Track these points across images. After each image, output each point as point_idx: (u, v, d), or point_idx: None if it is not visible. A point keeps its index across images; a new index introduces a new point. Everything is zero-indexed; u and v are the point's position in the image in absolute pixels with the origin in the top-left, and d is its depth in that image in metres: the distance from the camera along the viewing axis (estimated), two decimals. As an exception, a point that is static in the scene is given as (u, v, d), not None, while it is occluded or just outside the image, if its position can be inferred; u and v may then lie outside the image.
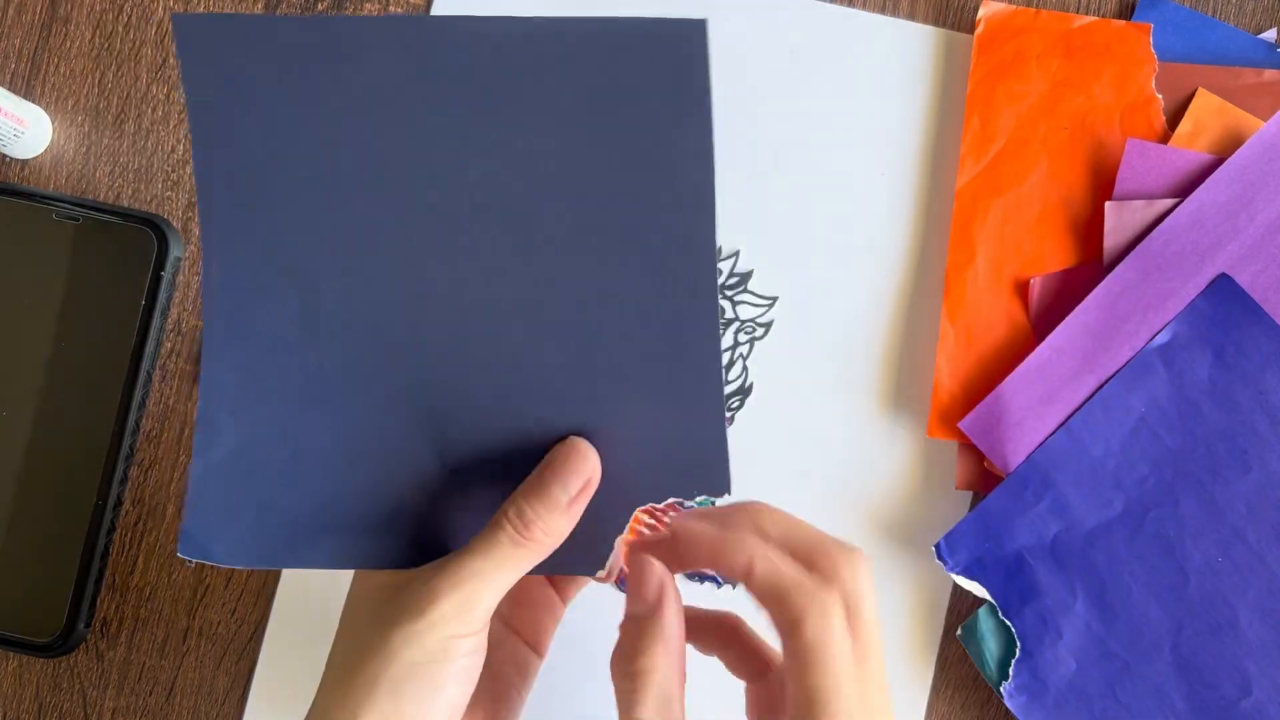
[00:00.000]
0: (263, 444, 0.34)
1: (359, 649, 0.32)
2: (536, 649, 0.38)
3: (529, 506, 0.32)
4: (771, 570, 0.32)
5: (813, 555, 0.32)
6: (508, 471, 0.34)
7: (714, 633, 0.37)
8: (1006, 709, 0.45)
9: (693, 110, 0.30)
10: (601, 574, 0.35)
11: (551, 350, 0.33)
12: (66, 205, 0.46)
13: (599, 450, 0.34)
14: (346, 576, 0.48)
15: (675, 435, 0.34)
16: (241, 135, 0.33)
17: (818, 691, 0.30)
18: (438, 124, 0.32)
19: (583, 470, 0.33)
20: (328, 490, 0.35)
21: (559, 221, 0.33)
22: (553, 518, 0.32)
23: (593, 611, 0.41)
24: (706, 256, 0.32)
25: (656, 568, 0.33)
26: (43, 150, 0.48)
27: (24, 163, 0.48)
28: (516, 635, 0.38)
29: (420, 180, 0.33)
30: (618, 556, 0.35)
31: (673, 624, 0.33)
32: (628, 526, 0.35)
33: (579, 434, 0.34)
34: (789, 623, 0.31)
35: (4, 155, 0.48)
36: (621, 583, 0.45)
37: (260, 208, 0.33)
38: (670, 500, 0.35)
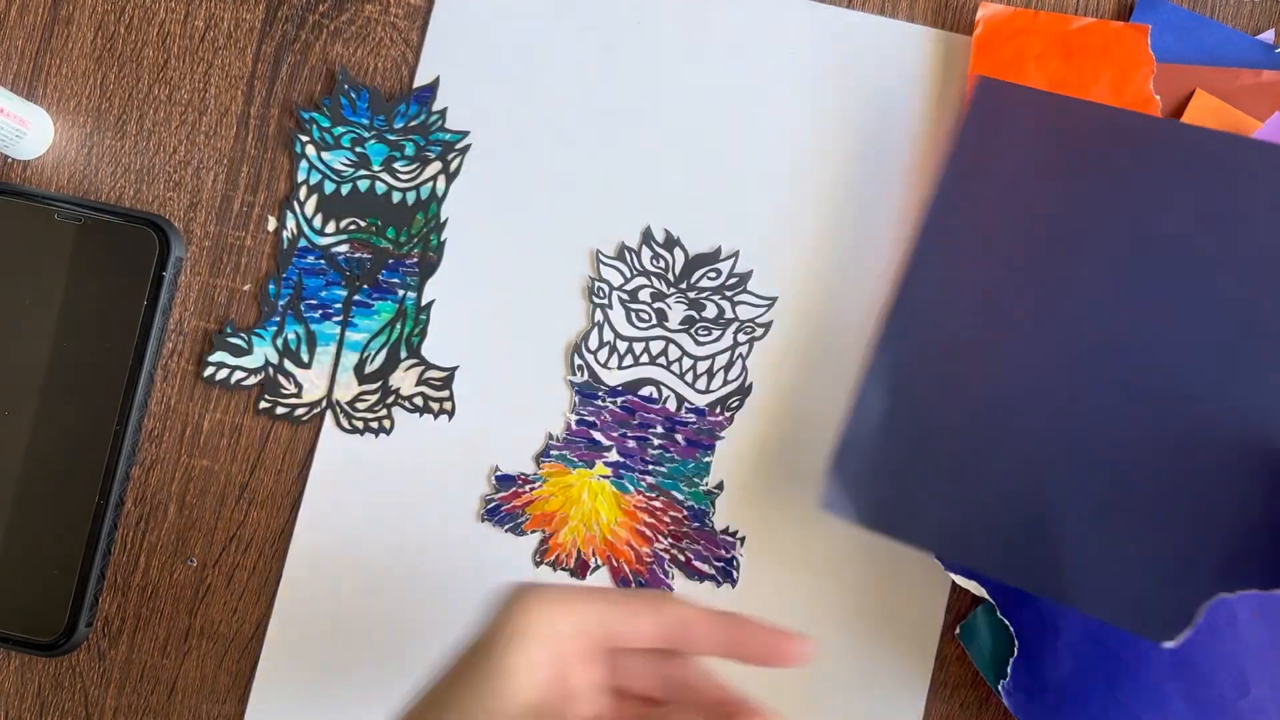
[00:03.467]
0: (905, 429, 0.42)
1: None
2: None
3: None
4: None
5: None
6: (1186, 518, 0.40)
7: None
8: (1005, 708, 0.45)
9: None
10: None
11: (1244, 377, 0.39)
12: (68, 206, 0.47)
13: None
14: (344, 578, 0.48)
15: None
16: (977, 185, 0.43)
17: None
18: (1159, 218, 0.41)
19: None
20: (956, 484, 0.41)
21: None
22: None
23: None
24: None
25: None
26: (45, 151, 0.48)
27: (26, 163, 0.48)
28: None
29: (1116, 258, 0.41)
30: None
31: None
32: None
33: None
34: None
35: (6, 156, 0.48)
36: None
37: (971, 236, 0.42)
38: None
